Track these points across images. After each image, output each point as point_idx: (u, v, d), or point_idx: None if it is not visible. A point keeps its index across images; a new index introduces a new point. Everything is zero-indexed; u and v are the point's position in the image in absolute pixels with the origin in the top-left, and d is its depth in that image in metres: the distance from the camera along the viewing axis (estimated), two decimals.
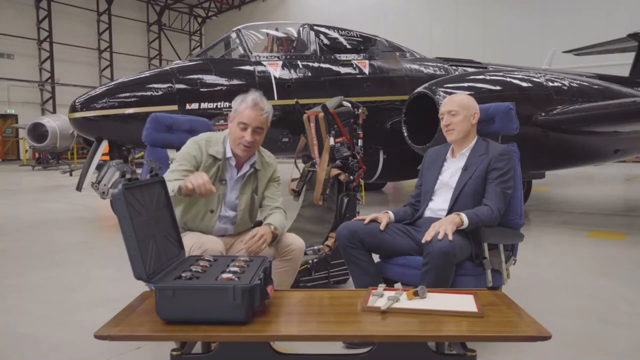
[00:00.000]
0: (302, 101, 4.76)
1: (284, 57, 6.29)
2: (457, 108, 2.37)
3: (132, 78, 5.65)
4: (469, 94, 5.48)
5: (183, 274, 1.55)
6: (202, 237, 2.12)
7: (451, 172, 2.42)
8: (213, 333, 1.42)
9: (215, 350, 1.49)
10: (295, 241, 2.27)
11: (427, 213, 2.42)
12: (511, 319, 1.52)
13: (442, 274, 2.01)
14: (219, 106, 5.57)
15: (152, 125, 2.63)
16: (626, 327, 2.59)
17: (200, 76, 5.68)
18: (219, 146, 2.27)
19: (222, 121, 5.47)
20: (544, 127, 5.21)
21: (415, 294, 1.64)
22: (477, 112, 2.41)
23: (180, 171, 2.18)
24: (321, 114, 3.25)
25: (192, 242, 2.04)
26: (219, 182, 2.26)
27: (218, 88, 5.67)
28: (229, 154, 2.28)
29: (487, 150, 2.35)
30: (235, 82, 5.83)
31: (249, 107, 2.19)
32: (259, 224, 2.39)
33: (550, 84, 5.53)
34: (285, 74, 6.11)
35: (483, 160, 2.32)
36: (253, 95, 2.22)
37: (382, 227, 2.26)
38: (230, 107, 2.33)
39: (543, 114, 5.20)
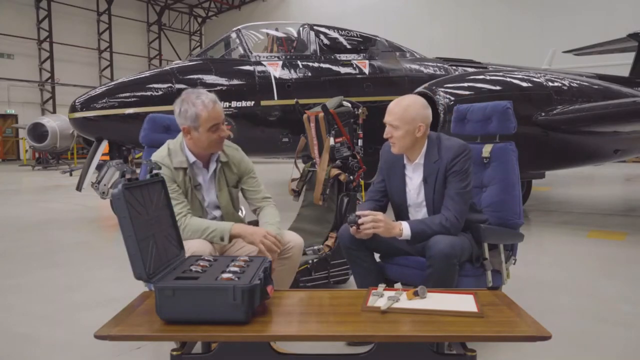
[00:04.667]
0: (302, 101, 4.76)
1: (284, 57, 6.29)
2: (397, 123, 2.14)
3: (132, 78, 5.66)
4: (470, 94, 5.45)
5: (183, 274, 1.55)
6: (190, 241, 2.07)
7: (415, 188, 2.27)
8: (213, 333, 1.43)
9: (215, 350, 1.49)
10: (294, 239, 2.25)
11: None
12: (511, 319, 1.52)
13: (445, 277, 2.01)
14: None
15: (150, 126, 2.63)
16: (626, 327, 2.59)
17: (200, 76, 5.69)
18: (180, 155, 2.22)
19: None
20: (544, 127, 5.21)
21: (415, 294, 1.64)
22: (422, 125, 2.16)
23: (182, 202, 2.16)
24: (321, 114, 3.24)
25: None
26: (194, 188, 2.25)
27: (218, 88, 5.66)
28: (192, 159, 2.24)
29: (440, 153, 2.19)
30: (235, 82, 5.83)
31: (210, 108, 2.14)
32: (255, 224, 2.37)
33: (550, 84, 5.52)
34: (285, 74, 6.11)
35: (439, 167, 2.17)
36: (203, 96, 2.15)
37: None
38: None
39: (543, 114, 5.20)
